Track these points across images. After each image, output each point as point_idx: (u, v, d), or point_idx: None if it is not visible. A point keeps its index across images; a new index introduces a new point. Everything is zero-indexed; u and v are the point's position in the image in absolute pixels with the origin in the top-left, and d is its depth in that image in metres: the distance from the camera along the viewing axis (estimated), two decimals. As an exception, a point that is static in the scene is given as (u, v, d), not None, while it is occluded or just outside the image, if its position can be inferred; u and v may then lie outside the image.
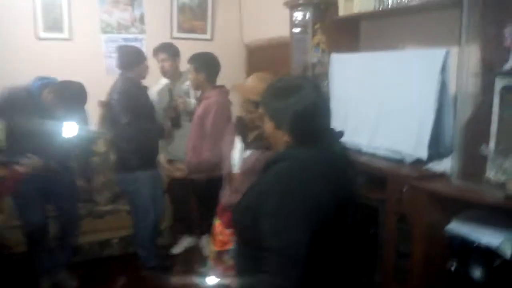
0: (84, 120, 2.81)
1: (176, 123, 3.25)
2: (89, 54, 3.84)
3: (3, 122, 2.64)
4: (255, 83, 1.84)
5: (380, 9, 2.23)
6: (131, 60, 2.92)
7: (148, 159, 2.98)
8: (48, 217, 2.83)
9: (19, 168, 1.99)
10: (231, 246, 2.00)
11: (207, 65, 2.94)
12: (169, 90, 3.29)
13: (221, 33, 4.35)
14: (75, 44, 3.80)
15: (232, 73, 4.28)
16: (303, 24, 2.80)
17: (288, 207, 1.15)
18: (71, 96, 2.56)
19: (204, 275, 2.17)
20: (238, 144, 2.01)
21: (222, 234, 2.09)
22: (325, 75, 2.67)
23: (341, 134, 1.35)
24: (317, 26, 2.69)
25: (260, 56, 4.15)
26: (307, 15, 2.72)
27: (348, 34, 2.65)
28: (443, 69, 1.78)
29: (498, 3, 1.67)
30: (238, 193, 1.89)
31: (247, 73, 4.41)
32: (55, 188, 2.72)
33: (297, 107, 1.21)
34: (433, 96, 1.81)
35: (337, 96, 2.40)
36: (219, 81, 3.20)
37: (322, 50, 2.70)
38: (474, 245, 1.68)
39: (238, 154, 1.99)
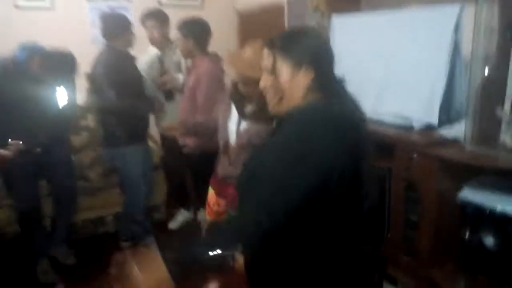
0: (73, 92, 2.67)
1: (169, 96, 3.11)
2: (73, 24, 3.64)
3: None
4: (252, 56, 1.67)
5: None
6: (115, 29, 2.72)
7: (136, 134, 2.85)
8: (41, 194, 2.72)
9: (4, 152, 1.88)
10: (226, 216, 1.97)
11: (196, 31, 2.79)
12: (160, 61, 3.13)
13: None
14: (58, 13, 3.59)
15: (223, 41, 4.10)
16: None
17: (298, 162, 1.05)
18: (61, 65, 2.41)
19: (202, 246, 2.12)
20: (233, 114, 1.90)
21: (216, 204, 2.03)
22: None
23: (344, 80, 1.27)
24: (315, -14, 2.54)
25: (253, 23, 3.98)
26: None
27: (349, -6, 2.50)
28: (457, 27, 1.65)
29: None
30: (235, 166, 1.81)
31: (239, 40, 4.25)
32: (48, 163, 2.60)
33: (319, 41, 1.21)
34: (445, 57, 1.69)
35: (340, 61, 2.27)
36: (210, 48, 3.05)
37: (321, 12, 2.56)
38: (487, 212, 1.62)
39: (234, 125, 1.89)
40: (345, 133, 1.11)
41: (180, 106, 2.85)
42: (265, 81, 1.21)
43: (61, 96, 2.52)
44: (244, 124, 1.84)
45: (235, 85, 1.86)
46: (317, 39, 1.22)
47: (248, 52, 1.71)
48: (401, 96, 1.91)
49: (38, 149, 2.47)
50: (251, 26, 4.01)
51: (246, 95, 1.80)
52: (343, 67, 2.24)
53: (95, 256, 2.98)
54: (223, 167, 1.97)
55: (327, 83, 1.17)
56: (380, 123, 2.00)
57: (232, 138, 1.89)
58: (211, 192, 2.08)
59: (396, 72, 1.95)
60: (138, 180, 2.88)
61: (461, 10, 1.64)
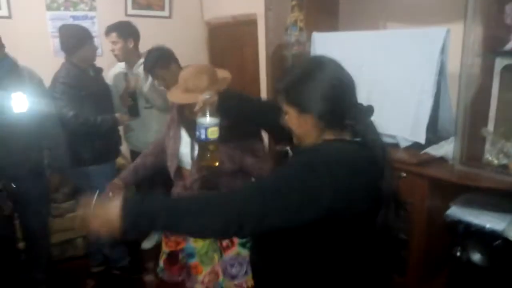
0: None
1: (133, 112, 2.95)
2: (33, 34, 3.41)
3: None
4: (189, 82, 1.55)
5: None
6: (73, 43, 2.54)
7: (100, 153, 2.68)
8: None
9: None
10: (184, 245, 1.89)
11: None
12: (125, 75, 2.98)
13: (180, 9, 4.04)
14: (17, 23, 3.35)
15: (192, 53, 4.04)
16: (278, 1, 2.63)
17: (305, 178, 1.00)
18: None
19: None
20: (184, 137, 1.77)
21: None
22: (303, 54, 2.54)
23: (371, 110, 1.18)
24: (294, 2, 2.54)
25: (223, 35, 3.93)
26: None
27: (327, 12, 2.52)
28: (443, 49, 1.70)
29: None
30: (192, 190, 1.73)
31: (209, 53, 4.19)
32: (21, 199, 2.33)
33: (326, 82, 1.10)
34: (431, 78, 1.74)
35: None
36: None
37: (299, 28, 2.56)
38: (472, 229, 1.66)
39: (186, 148, 1.75)
40: (358, 172, 1.06)
41: None
42: (283, 121, 1.17)
43: (19, 99, 2.20)
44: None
45: (180, 111, 1.75)
46: (324, 81, 1.11)
47: (186, 78, 1.59)
48: (387, 115, 1.92)
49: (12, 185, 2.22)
50: (221, 39, 3.96)
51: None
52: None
53: (66, 281, 2.81)
54: (179, 193, 1.83)
55: (342, 120, 1.11)
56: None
57: (186, 161, 1.77)
58: None
59: (381, 91, 1.97)
60: None
61: (448, 32, 1.69)
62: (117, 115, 2.75)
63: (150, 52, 2.42)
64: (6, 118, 2.17)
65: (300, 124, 1.12)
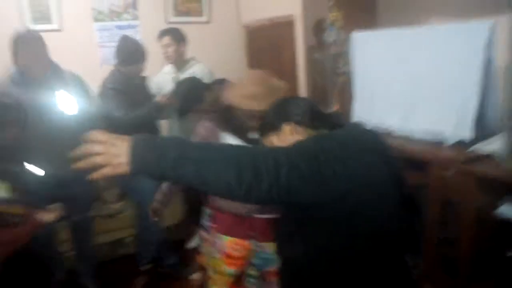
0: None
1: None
2: (81, 45, 3.61)
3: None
4: (253, 88, 1.59)
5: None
6: (129, 57, 2.71)
7: None
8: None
9: (41, 217, 1.70)
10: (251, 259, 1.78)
11: (183, 36, 2.91)
12: (173, 78, 3.11)
13: (218, 14, 4.13)
14: (66, 35, 3.55)
15: (231, 57, 4.13)
16: (315, 2, 2.64)
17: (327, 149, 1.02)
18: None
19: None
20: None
21: (235, 247, 1.75)
22: (342, 54, 2.54)
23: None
24: (331, 3, 2.54)
25: (261, 38, 3.97)
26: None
27: (366, 10, 2.51)
28: (489, 43, 1.65)
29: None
30: None
31: (247, 56, 4.25)
32: (68, 197, 2.49)
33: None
34: (477, 73, 1.70)
35: (361, 76, 2.27)
36: (218, 66, 3.04)
37: (338, 28, 2.56)
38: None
39: None
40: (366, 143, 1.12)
41: None
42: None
43: (73, 105, 2.37)
44: None
45: (228, 116, 1.71)
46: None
47: (248, 84, 1.62)
48: (431, 112, 1.91)
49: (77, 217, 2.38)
50: (259, 41, 4.01)
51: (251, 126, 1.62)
52: (365, 83, 2.25)
53: (116, 279, 2.95)
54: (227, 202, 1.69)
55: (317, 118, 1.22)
56: (409, 139, 2.00)
57: None
58: (227, 241, 1.76)
59: (425, 88, 1.95)
60: (150, 201, 2.84)
61: (493, 26, 1.64)
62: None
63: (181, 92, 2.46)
64: (53, 118, 2.29)
65: (291, 138, 1.19)
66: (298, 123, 1.19)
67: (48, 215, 1.69)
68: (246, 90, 1.59)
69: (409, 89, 2.00)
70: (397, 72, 2.06)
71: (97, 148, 0.90)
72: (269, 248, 1.70)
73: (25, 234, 1.51)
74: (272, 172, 0.91)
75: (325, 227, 1.07)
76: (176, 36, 3.04)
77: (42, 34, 3.43)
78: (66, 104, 2.34)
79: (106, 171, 0.90)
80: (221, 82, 2.23)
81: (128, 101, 2.65)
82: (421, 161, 1.85)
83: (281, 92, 1.61)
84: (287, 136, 1.19)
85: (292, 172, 0.93)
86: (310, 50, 2.97)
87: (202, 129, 1.78)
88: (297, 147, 1.05)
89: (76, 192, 2.50)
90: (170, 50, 3.04)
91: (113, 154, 0.88)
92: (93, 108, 2.56)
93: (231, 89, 1.67)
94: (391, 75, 2.09)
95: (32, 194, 2.08)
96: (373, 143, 1.15)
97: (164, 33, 3.06)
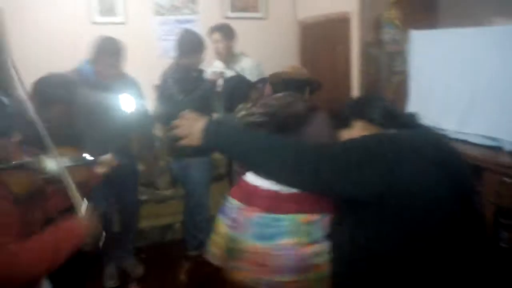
0: (142, 101, 2.77)
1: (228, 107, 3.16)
2: (142, 37, 3.79)
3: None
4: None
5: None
6: (187, 48, 2.82)
7: (200, 146, 2.92)
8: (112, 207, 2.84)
9: (98, 170, 1.91)
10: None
11: (233, 33, 2.98)
12: (221, 74, 3.20)
13: (274, 10, 4.18)
14: (129, 28, 3.75)
15: (285, 52, 4.16)
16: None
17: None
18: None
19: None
20: None
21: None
22: (399, 53, 2.49)
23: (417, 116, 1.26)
24: (390, 0, 2.50)
25: (315, 34, 3.97)
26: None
27: (425, 9, 2.44)
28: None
29: None
30: None
31: (300, 51, 4.26)
32: (118, 178, 2.68)
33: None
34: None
35: (418, 76, 2.22)
36: (271, 61, 3.07)
37: (395, 26, 2.51)
38: None
39: None
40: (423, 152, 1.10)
41: None
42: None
43: (129, 106, 2.60)
44: None
45: None
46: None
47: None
48: (490, 116, 1.84)
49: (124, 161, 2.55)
50: (313, 37, 4.00)
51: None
52: (422, 83, 2.20)
53: (163, 263, 3.10)
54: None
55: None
56: (465, 143, 1.93)
57: None
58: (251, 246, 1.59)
59: (485, 91, 1.88)
60: (202, 190, 2.96)
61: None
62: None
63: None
64: (116, 115, 2.54)
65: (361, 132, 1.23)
66: (370, 120, 1.23)
67: (102, 167, 1.88)
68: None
69: (468, 91, 1.93)
70: (457, 73, 1.99)
71: (182, 122, 1.25)
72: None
73: (89, 190, 1.69)
74: (311, 164, 1.07)
75: (369, 220, 1.10)
76: (226, 33, 3.12)
77: (107, 26, 3.71)
78: (126, 104, 2.58)
79: (184, 141, 1.27)
80: (266, 81, 2.29)
81: (185, 90, 2.78)
82: (477, 167, 1.79)
83: None
84: (357, 132, 1.22)
85: (327, 166, 1.07)
86: (366, 47, 2.93)
87: None
88: (344, 144, 1.13)
89: (124, 175, 2.67)
90: (220, 46, 3.12)
91: (190, 129, 1.23)
92: (144, 108, 2.79)
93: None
94: (450, 76, 2.03)
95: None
96: (435, 150, 1.13)
97: (214, 29, 3.15)
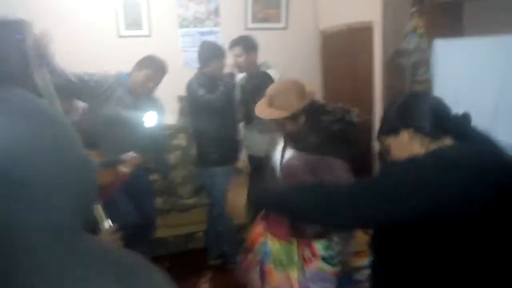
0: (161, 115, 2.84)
1: (247, 119, 3.16)
2: (167, 49, 3.83)
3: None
4: (285, 97, 1.63)
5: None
6: (206, 56, 2.90)
7: (227, 156, 2.96)
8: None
9: (123, 168, 1.98)
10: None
11: (254, 45, 2.97)
12: (241, 86, 3.21)
13: (295, 20, 4.20)
14: (154, 40, 3.85)
15: (306, 62, 4.17)
16: (396, 7, 2.60)
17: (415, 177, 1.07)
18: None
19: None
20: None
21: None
22: (423, 62, 2.46)
23: (468, 117, 1.22)
24: (414, 9, 2.48)
25: (337, 44, 3.97)
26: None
27: (450, 17, 2.41)
28: None
29: None
30: None
31: (321, 61, 4.26)
32: (138, 186, 2.73)
33: (401, 100, 1.23)
34: None
35: (442, 85, 2.19)
36: (292, 71, 3.08)
37: (419, 35, 2.49)
38: None
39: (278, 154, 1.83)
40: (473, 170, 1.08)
41: None
42: (389, 159, 1.27)
43: (151, 116, 2.68)
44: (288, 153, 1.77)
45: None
46: (399, 98, 1.25)
47: (273, 94, 1.68)
48: (518, 127, 1.79)
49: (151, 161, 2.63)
50: (335, 47, 4.00)
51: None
52: (446, 93, 2.16)
53: (185, 272, 3.12)
54: None
55: (444, 130, 1.17)
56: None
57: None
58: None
59: (510, 100, 1.83)
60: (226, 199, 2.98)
61: None
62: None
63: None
64: (140, 130, 2.62)
65: (400, 147, 1.19)
66: (418, 129, 1.15)
67: (126, 166, 1.95)
68: (267, 102, 1.69)
69: (493, 101, 1.89)
70: (482, 82, 1.96)
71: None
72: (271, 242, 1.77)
73: (114, 188, 1.76)
74: (345, 209, 1.13)
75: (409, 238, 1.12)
76: (247, 46, 3.06)
77: (132, 39, 3.81)
78: (148, 119, 2.67)
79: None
80: None
81: (210, 89, 2.86)
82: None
83: (309, 95, 1.68)
84: (405, 143, 1.18)
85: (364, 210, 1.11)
86: (389, 57, 2.91)
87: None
88: (381, 180, 1.14)
89: (143, 181, 2.77)
90: (240, 60, 3.06)
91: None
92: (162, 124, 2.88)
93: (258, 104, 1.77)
94: (475, 85, 1.99)
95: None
96: (489, 164, 1.11)
97: (234, 43, 3.09)
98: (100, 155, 1.78)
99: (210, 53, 2.91)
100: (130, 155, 2.23)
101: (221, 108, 2.87)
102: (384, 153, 1.30)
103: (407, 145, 1.17)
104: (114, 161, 1.85)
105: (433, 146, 1.15)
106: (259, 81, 3.16)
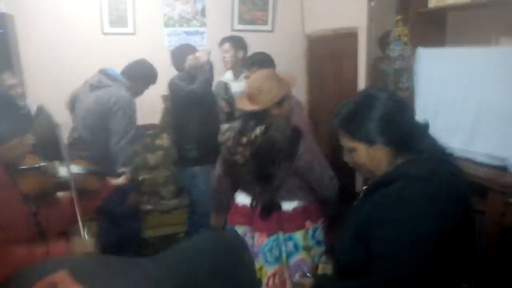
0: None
1: (229, 117, 3.17)
2: (152, 48, 3.83)
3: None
4: (268, 86, 1.74)
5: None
6: (179, 56, 3.02)
7: (207, 155, 2.94)
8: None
9: (112, 181, 1.95)
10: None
11: (244, 44, 3.08)
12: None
13: (282, 23, 4.21)
14: (139, 38, 3.81)
15: (291, 64, 4.17)
16: (381, 14, 2.63)
17: (412, 236, 1.08)
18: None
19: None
20: None
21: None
22: (406, 70, 2.50)
23: (427, 125, 1.22)
24: (398, 17, 2.51)
25: (322, 48, 4.00)
26: (389, 6, 2.55)
27: (434, 27, 2.44)
28: None
29: None
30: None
31: (306, 64, 4.28)
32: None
33: (383, 109, 1.17)
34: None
35: (424, 94, 2.23)
36: (277, 72, 3.08)
37: (403, 43, 2.52)
38: None
39: None
40: (449, 198, 1.11)
41: None
42: (348, 158, 1.26)
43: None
44: None
45: None
46: (380, 107, 1.18)
47: (261, 83, 1.77)
48: (496, 136, 1.83)
49: (141, 177, 2.62)
50: (320, 51, 4.03)
51: None
52: (428, 100, 2.20)
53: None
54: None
55: (409, 144, 1.17)
56: (470, 162, 1.93)
57: None
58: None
59: (492, 110, 1.88)
60: (207, 200, 2.97)
61: None
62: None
63: (257, 53, 2.80)
64: None
65: (371, 157, 1.19)
66: (390, 144, 1.17)
67: (118, 179, 1.96)
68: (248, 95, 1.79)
69: (474, 110, 1.93)
70: (463, 92, 1.99)
71: None
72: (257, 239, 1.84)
73: (100, 199, 1.76)
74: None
75: None
76: (236, 43, 3.18)
77: (117, 36, 3.76)
78: None
79: None
80: None
81: (190, 80, 2.89)
82: (482, 186, 1.78)
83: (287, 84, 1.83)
84: (375, 154, 1.19)
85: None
86: (373, 62, 2.94)
87: None
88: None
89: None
90: (228, 56, 3.17)
91: None
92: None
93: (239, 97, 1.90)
94: (456, 94, 2.03)
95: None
96: (455, 187, 1.13)
97: (225, 39, 3.22)
98: (89, 163, 1.75)
99: (182, 53, 2.99)
100: (122, 170, 2.23)
101: (202, 99, 2.87)
102: (343, 152, 1.28)
103: (376, 156, 1.19)
104: (101, 171, 1.82)
105: (397, 160, 1.19)
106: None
